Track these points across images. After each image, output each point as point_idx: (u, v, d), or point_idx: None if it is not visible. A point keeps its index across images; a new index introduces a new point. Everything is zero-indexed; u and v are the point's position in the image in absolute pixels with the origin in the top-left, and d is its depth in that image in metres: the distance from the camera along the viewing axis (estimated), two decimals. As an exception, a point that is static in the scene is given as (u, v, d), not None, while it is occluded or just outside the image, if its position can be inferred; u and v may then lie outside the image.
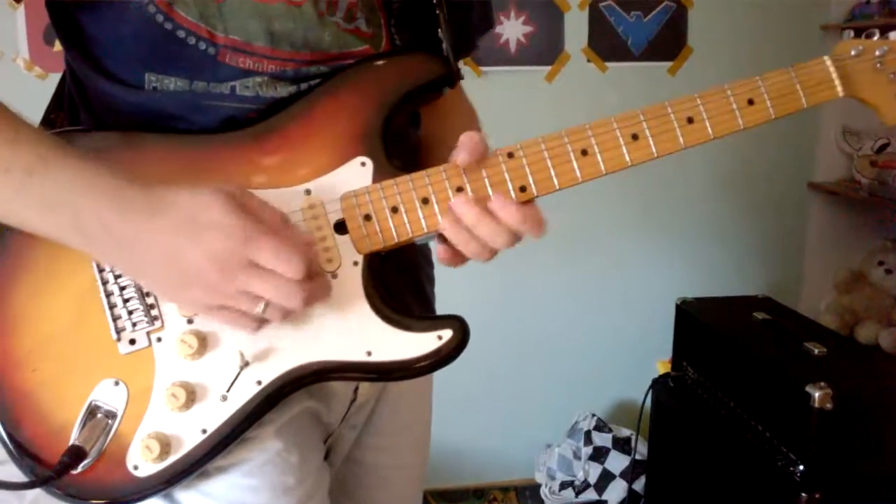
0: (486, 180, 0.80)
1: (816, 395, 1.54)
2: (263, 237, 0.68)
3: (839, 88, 0.86)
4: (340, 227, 0.78)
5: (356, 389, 0.91)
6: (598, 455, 2.48)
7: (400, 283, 0.89)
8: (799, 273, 2.78)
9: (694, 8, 2.48)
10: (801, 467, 1.60)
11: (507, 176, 0.80)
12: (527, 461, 2.71)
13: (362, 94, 0.80)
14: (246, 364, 0.76)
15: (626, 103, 2.53)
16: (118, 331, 0.75)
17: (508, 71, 2.42)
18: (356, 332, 0.78)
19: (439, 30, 0.88)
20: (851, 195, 2.57)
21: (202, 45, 0.77)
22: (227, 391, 0.76)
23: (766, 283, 2.59)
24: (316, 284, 0.73)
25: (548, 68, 2.45)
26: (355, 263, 0.78)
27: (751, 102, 0.85)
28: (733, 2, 2.50)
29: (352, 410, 0.93)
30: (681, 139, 0.83)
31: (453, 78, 0.85)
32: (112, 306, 0.75)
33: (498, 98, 2.39)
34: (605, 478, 2.46)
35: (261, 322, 0.73)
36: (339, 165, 0.79)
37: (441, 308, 2.53)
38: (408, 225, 0.79)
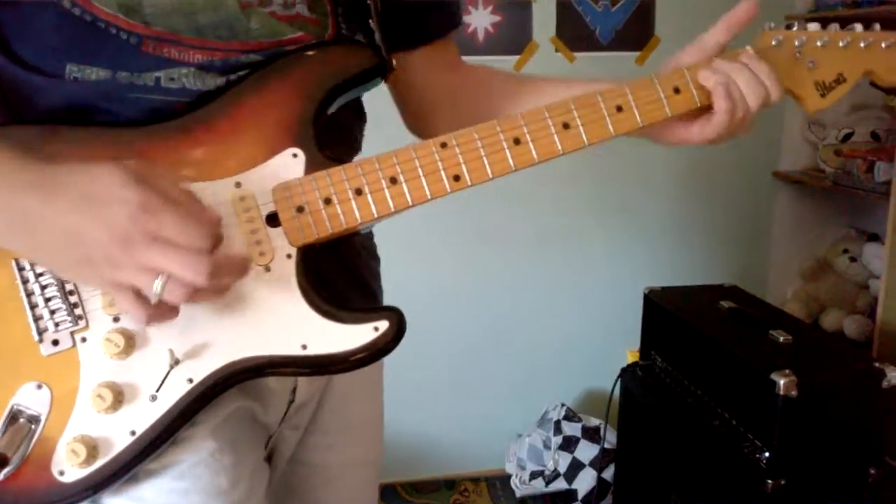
0: (420, 170, 0.79)
1: (781, 382, 1.55)
2: (165, 208, 0.65)
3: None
4: (273, 220, 0.76)
5: (294, 389, 0.90)
6: (568, 444, 2.48)
7: (339, 276, 0.87)
8: (765, 262, 2.80)
9: (661, -3, 2.48)
10: (767, 454, 1.61)
11: (440, 165, 0.80)
12: (497, 452, 2.72)
13: (292, 85, 0.79)
14: (176, 362, 0.74)
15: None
16: (40, 332, 0.73)
17: (476, 61, 2.40)
18: (290, 326, 0.76)
19: (370, 20, 0.87)
20: (816, 184, 2.59)
21: (123, 35, 0.74)
22: (157, 391, 0.74)
23: (732, 271, 2.61)
24: (223, 259, 0.70)
25: (516, 58, 2.44)
26: (289, 256, 0.77)
27: (677, 91, 0.87)
28: (702, -7, 2.51)
29: (291, 411, 0.91)
30: (610, 128, 0.85)
31: (385, 70, 0.83)
32: (33, 306, 0.73)
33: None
34: (575, 467, 2.47)
35: (157, 310, 0.68)
36: (270, 157, 0.77)
37: (412, 298, 2.52)
38: (341, 216, 0.78)
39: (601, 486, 2.45)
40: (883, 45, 0.91)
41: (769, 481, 1.60)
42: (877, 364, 1.64)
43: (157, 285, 0.65)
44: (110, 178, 0.65)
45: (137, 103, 0.76)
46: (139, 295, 0.66)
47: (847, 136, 2.54)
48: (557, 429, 2.51)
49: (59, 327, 0.73)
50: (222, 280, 0.70)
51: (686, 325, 1.95)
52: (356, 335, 0.77)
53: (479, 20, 2.39)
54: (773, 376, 1.57)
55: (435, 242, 2.52)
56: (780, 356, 1.68)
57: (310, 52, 0.80)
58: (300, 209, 0.77)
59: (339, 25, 0.86)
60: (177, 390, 0.74)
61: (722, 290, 2.14)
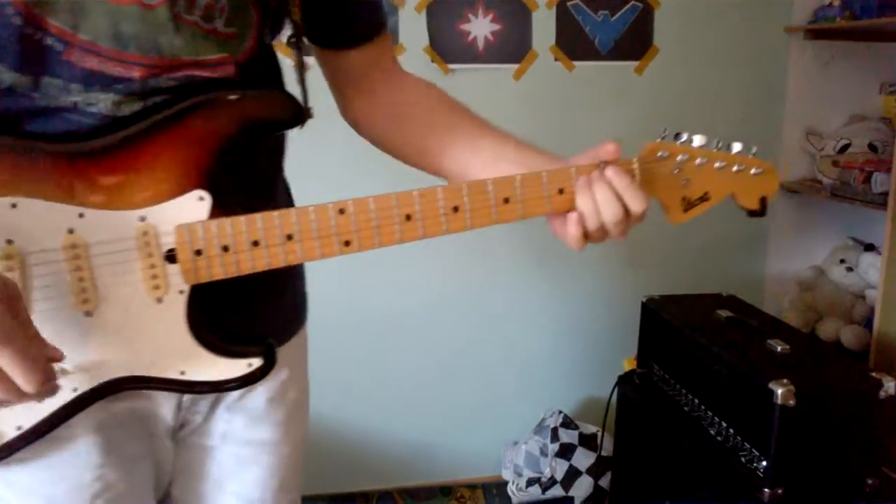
0: (315, 232, 0.84)
1: (779, 391, 1.56)
2: (13, 343, 0.66)
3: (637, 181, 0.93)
4: (171, 257, 0.81)
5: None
6: (565, 452, 2.49)
7: (230, 308, 0.90)
8: (762, 271, 2.80)
9: (660, 8, 2.48)
10: (765, 463, 1.62)
11: (333, 230, 0.84)
12: (494, 458, 2.72)
13: (210, 126, 0.80)
14: (64, 373, 0.79)
15: (592, 101, 2.58)
16: None
17: (476, 69, 2.42)
18: (174, 354, 0.83)
19: (295, 67, 0.90)
20: (814, 194, 2.60)
21: (49, 41, 0.75)
22: None
23: (730, 280, 2.61)
24: (40, 395, 0.71)
25: (515, 66, 2.45)
26: (181, 292, 0.82)
27: (561, 192, 0.92)
28: (699, 3, 2.51)
29: (185, 403, 0.96)
30: (495, 216, 0.90)
31: (302, 120, 0.86)
32: None
33: (465, 96, 2.35)
34: (572, 474, 2.47)
35: None
36: (178, 196, 0.80)
37: (409, 302, 2.52)
38: (236, 265, 0.82)
39: (598, 494, 2.46)
40: (752, 171, 0.97)
41: (766, 490, 1.61)
42: (874, 374, 1.65)
43: None
44: None
45: (56, 121, 0.77)
46: None
47: (845, 147, 2.55)
48: (554, 436, 2.51)
49: None
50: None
51: (684, 333, 1.96)
52: (231, 368, 0.85)
53: (479, 28, 2.40)
54: (771, 385, 1.58)
55: (432, 247, 2.52)
56: (777, 365, 1.69)
57: (232, 96, 0.81)
58: (198, 252, 0.81)
59: (262, 38, 0.87)
60: (62, 396, 0.80)
61: (720, 299, 2.15)
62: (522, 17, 2.42)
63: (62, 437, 0.85)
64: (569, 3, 2.43)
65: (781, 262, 2.77)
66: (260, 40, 0.87)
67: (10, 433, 0.80)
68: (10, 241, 0.76)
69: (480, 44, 2.41)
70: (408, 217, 0.87)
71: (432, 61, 2.37)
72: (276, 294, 1.01)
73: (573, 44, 2.46)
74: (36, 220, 0.76)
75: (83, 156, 0.77)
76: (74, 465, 0.88)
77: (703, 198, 0.97)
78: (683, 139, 0.95)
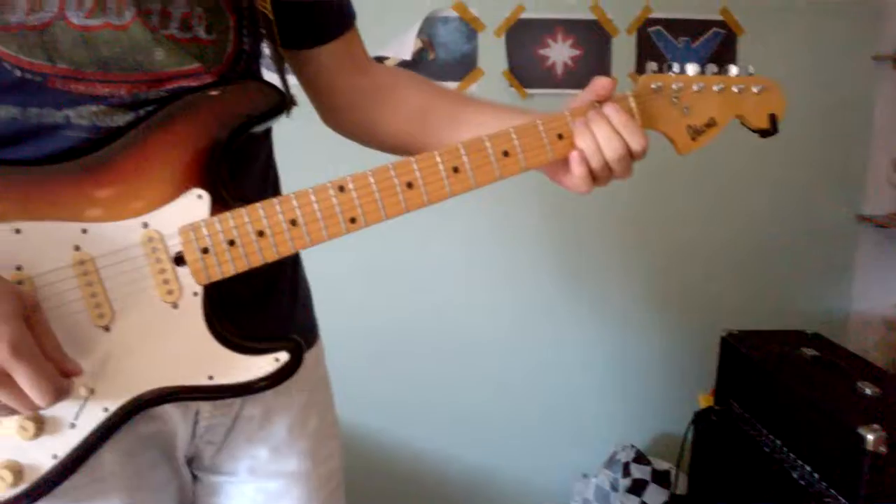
0: (319, 213, 0.84)
1: (870, 437, 1.50)
2: (29, 360, 0.68)
3: (638, 122, 0.92)
4: (180, 260, 0.81)
5: (196, 412, 0.94)
6: (637, 488, 2.42)
7: (248, 304, 0.91)
8: (846, 308, 2.69)
9: (744, 35, 2.43)
10: (853, 511, 1.54)
11: (337, 209, 0.84)
12: (560, 490, 2.67)
13: (198, 125, 0.81)
14: (91, 393, 0.79)
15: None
16: None
17: (554, 94, 2.40)
18: (198, 358, 0.82)
19: (272, 60, 0.91)
20: (901, 229, 2.51)
21: (28, 76, 0.76)
22: (76, 419, 0.80)
23: (811, 317, 2.52)
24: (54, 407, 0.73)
25: (594, 93, 2.42)
26: (195, 294, 0.82)
27: (560, 137, 0.91)
28: (783, 30, 2.46)
29: (200, 430, 0.95)
30: (497, 172, 0.90)
31: (287, 107, 0.86)
32: None
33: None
34: (643, 511, 2.41)
35: None
36: (176, 197, 0.80)
37: (482, 329, 2.50)
38: (245, 258, 0.82)
39: (670, 533, 2.39)
40: (754, 89, 0.97)
41: (854, 540, 1.53)
42: (971, 421, 1.56)
43: None
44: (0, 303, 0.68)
45: (49, 141, 0.78)
46: None
47: (934, 181, 2.45)
48: (626, 471, 2.45)
49: None
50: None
51: (766, 371, 1.90)
52: (259, 365, 0.84)
53: (558, 54, 2.39)
54: (861, 430, 1.51)
55: (505, 270, 2.51)
56: (867, 409, 1.62)
57: (213, 92, 0.83)
58: (205, 250, 0.81)
59: (241, 40, 0.88)
60: (94, 418, 0.80)
61: (804, 337, 2.08)
62: (602, 42, 2.40)
63: (91, 466, 0.84)
64: (650, 29, 2.40)
65: (867, 298, 2.66)
66: (239, 43, 0.88)
67: (47, 463, 0.79)
68: (18, 268, 0.77)
69: (559, 69, 2.40)
70: (409, 185, 0.87)
71: (510, 85, 2.36)
72: (287, 296, 1.02)
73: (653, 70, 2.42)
74: (41, 243, 0.77)
75: (79, 172, 0.78)
76: (105, 496, 0.88)
77: (710, 123, 0.96)
78: (676, 69, 0.95)
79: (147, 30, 0.79)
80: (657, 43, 2.42)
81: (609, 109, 0.90)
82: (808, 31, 2.46)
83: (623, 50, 2.41)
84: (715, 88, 0.96)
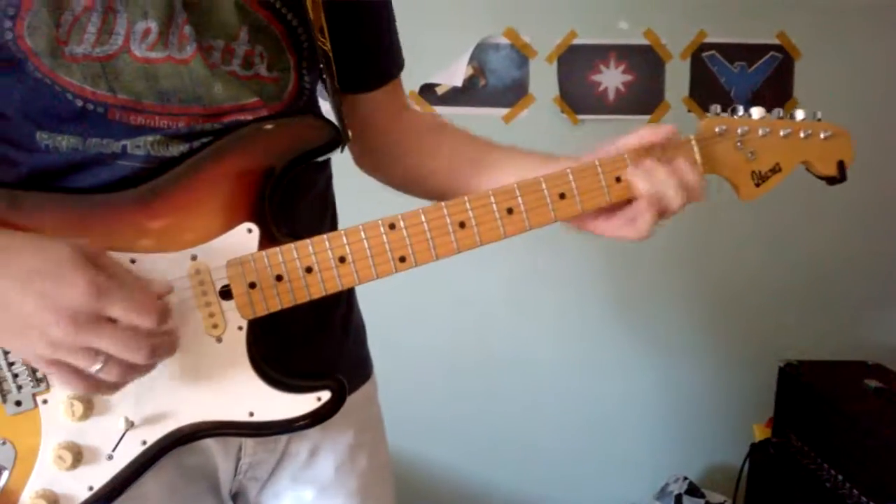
0: (368, 251, 0.82)
1: (938, 474, 1.44)
2: (116, 289, 0.68)
3: (700, 168, 0.90)
4: (226, 293, 0.80)
5: (240, 448, 0.93)
6: (689, 520, 2.36)
7: (292, 343, 0.89)
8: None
9: (801, 59, 2.40)
10: (920, 551, 1.48)
11: (387, 247, 0.83)
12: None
13: (249, 158, 0.81)
14: (131, 425, 0.79)
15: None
16: (3, 393, 0.77)
17: (605, 120, 2.38)
18: (240, 394, 0.81)
19: (328, 95, 0.91)
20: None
21: (90, 106, 0.77)
22: (113, 451, 0.79)
23: (870, 348, 2.44)
24: (162, 339, 0.72)
25: (646, 118, 2.40)
26: (240, 328, 0.80)
27: (618, 180, 0.89)
28: (843, 55, 2.41)
29: (243, 467, 0.94)
30: (553, 214, 0.88)
31: (341, 143, 0.85)
32: None
33: (593, 147, 2.35)
34: (697, 545, 2.35)
35: (93, 382, 0.71)
36: (226, 231, 0.80)
37: (539, 352, 2.47)
38: (291, 293, 0.81)
39: (725, 568, 2.32)
40: (822, 135, 0.94)
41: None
42: None
43: (96, 367, 0.69)
44: (59, 256, 0.68)
45: (105, 170, 0.79)
46: (75, 371, 0.70)
47: None
48: (678, 503, 2.39)
49: (22, 389, 0.77)
50: (158, 359, 0.73)
51: (828, 402, 1.85)
52: (300, 403, 0.83)
53: (611, 79, 2.37)
54: (929, 465, 1.45)
55: (560, 296, 2.49)
56: (935, 444, 1.55)
57: (268, 126, 0.82)
58: (252, 285, 0.80)
59: (303, 78, 0.89)
60: (131, 451, 0.79)
61: (865, 368, 2.02)
62: (655, 67, 2.38)
63: (135, 497, 0.83)
64: (704, 54, 2.38)
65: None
66: (300, 81, 0.89)
67: (82, 495, 0.79)
68: None
69: (611, 95, 2.38)
70: (461, 224, 0.85)
71: (562, 112, 2.35)
72: (337, 332, 1.00)
73: (707, 95, 2.39)
74: None
75: (131, 202, 0.78)
76: None
77: (775, 169, 0.93)
78: (741, 113, 0.93)
79: (207, 65, 0.80)
80: (711, 68, 2.39)
81: (684, 166, 0.87)
82: (868, 55, 2.41)
83: (677, 75, 2.39)
84: (781, 133, 0.93)
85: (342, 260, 0.82)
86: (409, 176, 1.08)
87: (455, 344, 2.46)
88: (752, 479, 2.13)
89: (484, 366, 2.50)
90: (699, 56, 2.38)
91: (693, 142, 0.91)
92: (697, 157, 0.90)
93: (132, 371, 0.72)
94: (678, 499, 2.40)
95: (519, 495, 2.62)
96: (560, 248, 2.41)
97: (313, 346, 0.94)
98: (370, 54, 1.02)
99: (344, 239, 0.82)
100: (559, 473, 2.61)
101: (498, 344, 2.50)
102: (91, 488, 0.79)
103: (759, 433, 2.29)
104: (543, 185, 0.87)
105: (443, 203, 0.85)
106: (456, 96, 2.34)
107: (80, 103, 0.77)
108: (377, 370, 1.10)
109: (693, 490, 2.42)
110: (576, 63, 2.36)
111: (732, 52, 2.38)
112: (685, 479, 2.46)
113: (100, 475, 0.79)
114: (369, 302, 1.11)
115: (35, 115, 0.78)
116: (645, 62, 2.38)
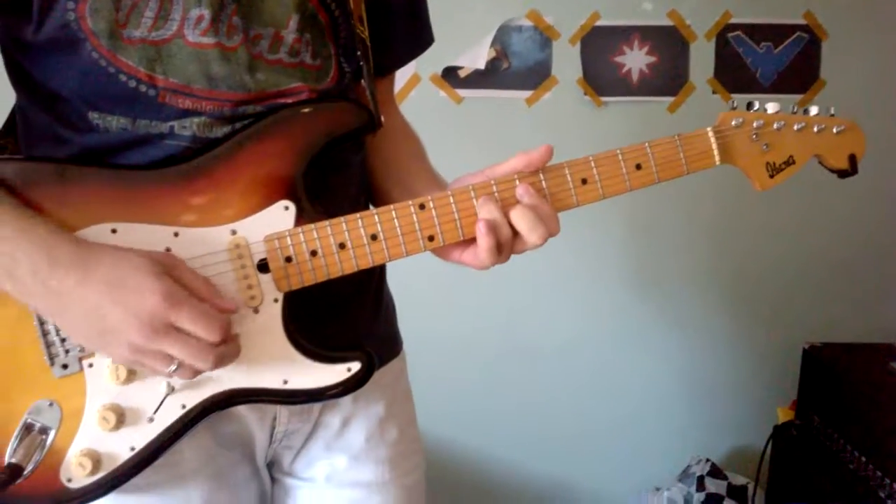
0: (399, 230, 0.87)
1: (964, 457, 1.43)
2: (186, 303, 0.74)
3: (717, 158, 0.95)
4: (263, 267, 0.84)
5: (274, 418, 0.96)
6: (712, 502, 2.37)
7: (324, 314, 0.93)
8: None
9: (829, 39, 2.37)
10: (945, 534, 1.48)
11: (417, 226, 0.87)
12: (629, 502, 2.62)
13: (287, 140, 0.86)
14: (172, 389, 0.83)
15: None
16: (51, 356, 0.81)
17: (629, 101, 2.38)
18: (275, 363, 0.86)
19: (362, 80, 0.94)
20: None
21: (143, 88, 0.83)
22: (154, 413, 0.84)
23: (893, 330, 2.44)
24: (228, 348, 0.78)
25: (671, 99, 2.39)
26: (276, 300, 0.85)
27: (638, 167, 0.93)
28: (871, 34, 2.37)
29: (277, 436, 0.98)
30: (575, 198, 0.92)
31: (374, 127, 0.89)
32: (45, 333, 0.81)
33: (617, 129, 2.35)
34: (718, 526, 2.35)
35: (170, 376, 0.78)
36: (264, 207, 0.85)
37: (559, 334, 2.47)
38: (325, 268, 0.86)
39: (746, 549, 2.32)
40: (834, 130, 0.97)
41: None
42: None
43: (170, 370, 0.76)
44: (141, 267, 0.74)
45: (153, 149, 0.84)
46: (154, 371, 0.78)
47: None
48: (701, 485, 2.39)
49: (69, 353, 0.82)
50: (220, 364, 0.79)
51: (852, 385, 1.84)
52: (332, 373, 0.87)
53: (634, 61, 2.36)
54: (954, 449, 1.44)
55: (584, 284, 2.49)
56: (961, 427, 1.55)
57: (305, 109, 0.87)
58: (288, 259, 0.85)
59: (342, 67, 0.93)
60: (172, 414, 0.84)
61: (891, 350, 2.00)
62: (680, 48, 2.37)
63: (172, 464, 0.89)
64: (729, 35, 2.36)
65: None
66: (340, 70, 0.93)
67: (124, 454, 0.83)
68: None
69: (635, 76, 2.37)
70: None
71: (585, 94, 2.35)
72: (369, 307, 1.04)
73: (733, 76, 2.38)
74: (135, 243, 0.81)
75: (176, 179, 0.83)
76: (185, 492, 0.92)
77: (789, 161, 0.97)
78: (756, 107, 0.96)
79: (255, 52, 0.86)
80: (737, 48, 2.37)
81: (524, 193, 0.89)
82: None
83: (701, 56, 2.38)
84: (795, 127, 0.97)
85: (374, 237, 0.87)
86: (372, 167, 1.10)
87: (480, 333, 2.47)
88: (774, 461, 2.14)
89: (507, 353, 2.52)
90: (724, 36, 2.37)
91: (710, 133, 0.94)
92: (714, 147, 0.94)
93: (202, 373, 0.78)
94: (700, 480, 2.40)
95: (542, 477, 2.64)
96: (583, 235, 2.41)
97: (346, 321, 0.98)
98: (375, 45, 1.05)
99: (376, 217, 0.87)
100: (582, 456, 2.63)
101: (521, 330, 2.51)
102: (133, 448, 0.83)
103: (784, 416, 2.29)
104: (566, 171, 0.91)
105: (469, 186, 0.89)
106: (479, 79, 2.34)
107: (133, 84, 0.82)
108: (409, 360, 1.14)
109: (716, 472, 2.42)
110: (599, 45, 2.35)
111: (758, 32, 2.37)
112: (707, 460, 2.46)
113: (141, 436, 0.83)
114: (402, 294, 1.15)
115: (89, 96, 0.83)
116: (669, 43, 2.37)
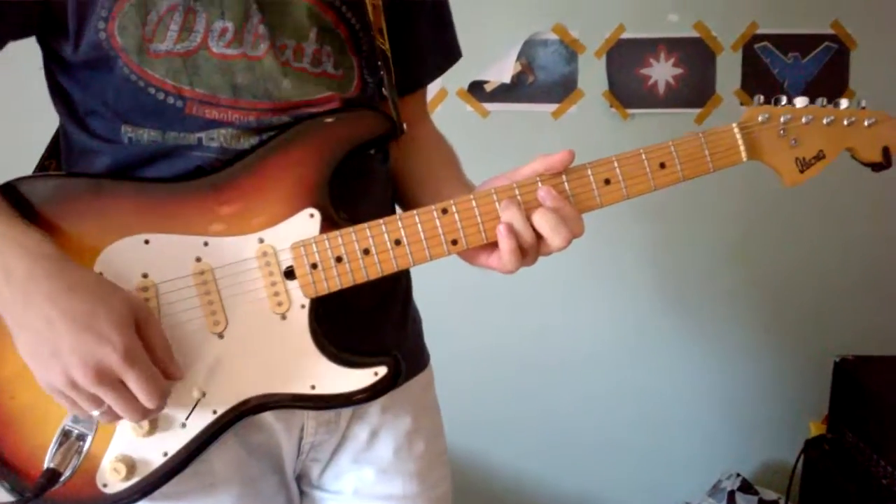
0: (422, 234, 0.88)
1: None
2: (140, 364, 0.75)
3: (743, 154, 0.93)
4: (290, 274, 0.86)
5: (301, 428, 0.97)
6: (742, 517, 2.34)
7: (350, 321, 0.94)
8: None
9: (857, 49, 2.35)
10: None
11: (440, 230, 0.88)
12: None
13: (312, 149, 0.88)
14: (203, 395, 0.85)
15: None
16: None
17: (656, 113, 2.37)
18: (302, 368, 0.87)
19: (382, 88, 0.96)
20: None
21: (170, 100, 0.86)
22: (186, 419, 0.85)
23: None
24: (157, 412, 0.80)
25: (697, 111, 2.38)
26: (303, 306, 0.87)
27: (662, 166, 0.92)
28: (901, 45, 2.36)
29: (304, 447, 0.99)
30: (598, 199, 0.91)
31: (396, 134, 0.91)
32: None
33: (643, 141, 2.31)
34: (749, 542, 2.33)
35: (87, 415, 0.79)
36: (290, 216, 0.87)
37: (589, 345, 2.46)
38: (350, 274, 0.87)
39: (778, 565, 2.29)
40: (865, 122, 0.94)
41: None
42: None
43: (95, 413, 0.77)
44: (110, 312, 0.75)
45: (182, 161, 0.87)
46: (76, 405, 0.77)
47: None
48: (731, 500, 2.37)
49: None
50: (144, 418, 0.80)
51: (884, 399, 1.81)
52: (358, 378, 0.88)
53: (660, 73, 2.36)
54: None
55: (616, 304, 2.48)
56: None
57: (328, 119, 0.89)
58: (314, 266, 0.87)
59: (364, 78, 0.96)
60: (203, 419, 0.86)
61: (922, 364, 1.97)
62: (706, 60, 2.37)
63: (202, 473, 0.91)
64: (756, 46, 2.35)
65: None
66: (363, 80, 0.96)
67: (157, 460, 0.85)
68: (145, 275, 0.84)
69: (661, 88, 2.37)
70: None
71: (611, 106, 2.35)
72: (395, 321, 1.05)
73: (760, 87, 2.36)
74: (166, 253, 0.84)
75: (205, 190, 0.86)
76: (215, 499, 0.93)
77: (818, 156, 0.95)
78: (784, 102, 0.94)
79: (279, 62, 0.88)
80: (764, 59, 2.36)
81: (549, 197, 0.89)
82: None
83: (728, 67, 2.37)
84: (824, 121, 0.94)
85: (398, 242, 0.88)
86: (403, 179, 1.10)
87: (504, 348, 2.47)
88: (806, 476, 2.11)
89: (535, 364, 2.51)
90: (751, 47, 2.36)
91: (736, 129, 0.93)
92: (740, 144, 0.93)
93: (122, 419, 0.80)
94: (731, 495, 2.38)
95: (571, 491, 2.63)
96: (611, 245, 2.41)
97: (373, 330, 1.00)
98: (422, 52, 1.08)
99: (399, 223, 0.88)
100: (612, 470, 2.61)
101: (550, 341, 2.50)
102: (166, 454, 0.85)
103: (815, 430, 2.27)
104: (589, 172, 0.91)
105: (492, 189, 0.89)
106: (505, 93, 2.35)
107: (161, 97, 0.85)
108: (436, 371, 1.15)
109: (746, 487, 2.40)
110: (625, 57, 2.35)
111: (785, 42, 2.36)
112: (738, 475, 2.44)
113: (174, 442, 0.85)
114: (428, 310, 1.16)
115: (122, 110, 0.86)
116: (695, 55, 2.37)
